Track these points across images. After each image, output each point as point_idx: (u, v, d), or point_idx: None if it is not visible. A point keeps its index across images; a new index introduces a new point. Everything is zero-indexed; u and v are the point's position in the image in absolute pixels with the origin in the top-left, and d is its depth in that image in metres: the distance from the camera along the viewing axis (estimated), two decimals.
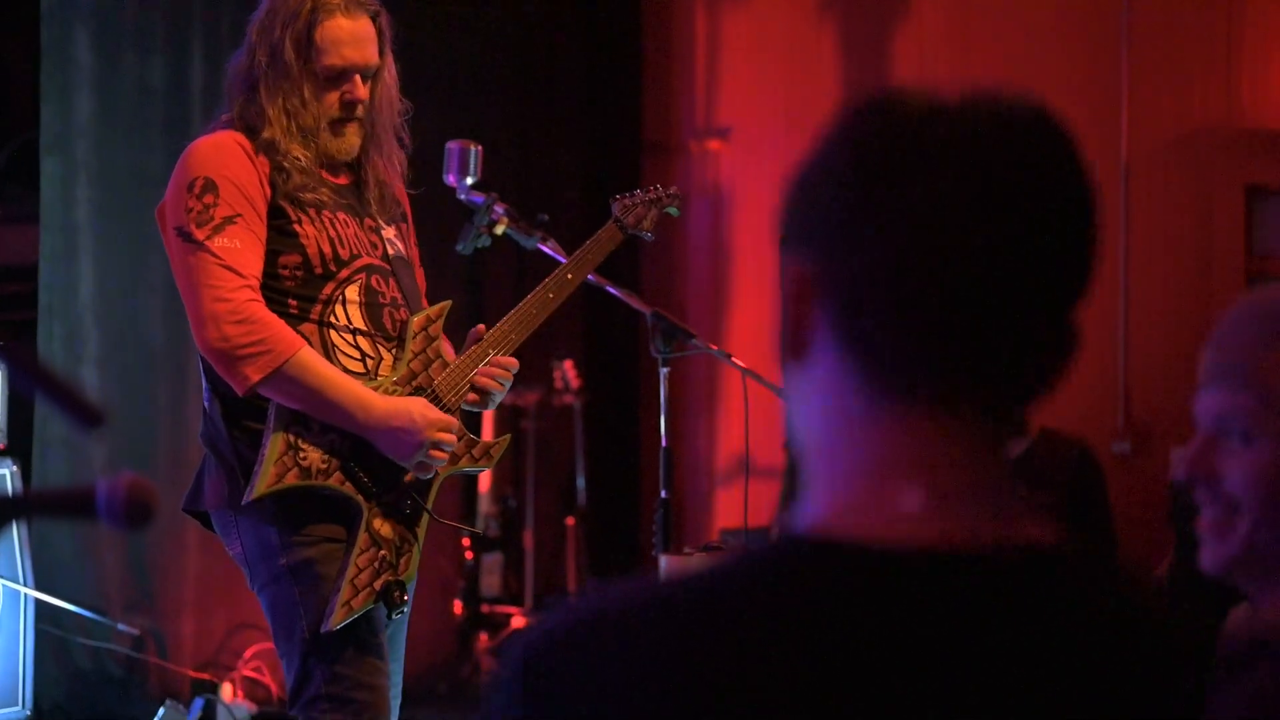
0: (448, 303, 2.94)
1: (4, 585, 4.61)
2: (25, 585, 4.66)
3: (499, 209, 3.03)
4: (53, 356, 5.19)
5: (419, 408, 2.78)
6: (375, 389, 2.78)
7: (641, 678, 0.90)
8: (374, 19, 2.87)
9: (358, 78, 2.84)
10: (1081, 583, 0.99)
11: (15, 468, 4.72)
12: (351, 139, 2.87)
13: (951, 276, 0.94)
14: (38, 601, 4.72)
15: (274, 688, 5.53)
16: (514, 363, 2.94)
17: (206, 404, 2.82)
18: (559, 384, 6.54)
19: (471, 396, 2.91)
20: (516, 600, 6.46)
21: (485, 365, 2.89)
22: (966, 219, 0.94)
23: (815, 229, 0.97)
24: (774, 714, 0.89)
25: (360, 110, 2.86)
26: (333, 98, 2.83)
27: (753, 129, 7.37)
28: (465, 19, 6.67)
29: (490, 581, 6.45)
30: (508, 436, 3.03)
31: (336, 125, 2.85)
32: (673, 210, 3.27)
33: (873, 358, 0.96)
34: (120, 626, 5.20)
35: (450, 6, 6.58)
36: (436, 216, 3.56)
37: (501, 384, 2.92)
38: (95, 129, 5.36)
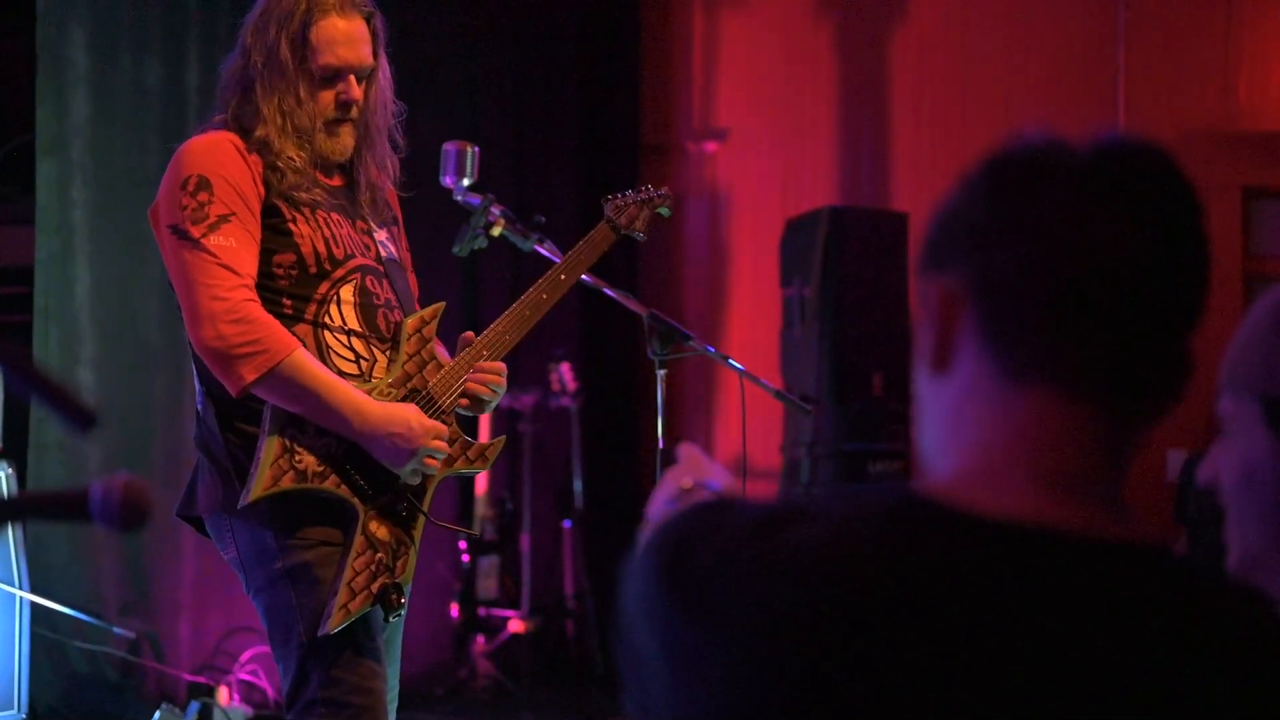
0: (441, 304, 2.93)
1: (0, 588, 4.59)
2: (21, 588, 4.65)
3: (495, 210, 3.02)
4: (49, 358, 5.18)
5: (414, 415, 2.76)
6: (369, 391, 2.76)
7: (766, 591, 1.02)
8: (368, 20, 2.87)
9: (352, 78, 2.83)
10: (1186, 586, 1.04)
11: (11, 470, 4.71)
12: (346, 140, 2.86)
13: (1073, 276, 1.04)
14: (33, 605, 4.71)
15: (270, 691, 5.52)
16: (502, 367, 2.93)
17: (200, 407, 2.80)
18: (556, 386, 6.52)
19: (463, 401, 2.90)
20: (513, 603, 6.44)
21: (475, 371, 2.89)
22: (1085, 230, 1.04)
23: (959, 247, 1.09)
24: (861, 645, 0.99)
25: (355, 111, 2.85)
26: (328, 97, 2.83)
27: (750, 131, 7.36)
28: (463, 20, 6.66)
29: (487, 584, 6.43)
30: (503, 438, 3.01)
31: (331, 126, 2.84)
32: (664, 210, 3.26)
33: (1008, 342, 1.07)
34: (116, 630, 5.19)
35: (448, 7, 6.57)
36: (433, 218, 3.55)
37: (493, 389, 2.91)
38: (91, 130, 5.35)
